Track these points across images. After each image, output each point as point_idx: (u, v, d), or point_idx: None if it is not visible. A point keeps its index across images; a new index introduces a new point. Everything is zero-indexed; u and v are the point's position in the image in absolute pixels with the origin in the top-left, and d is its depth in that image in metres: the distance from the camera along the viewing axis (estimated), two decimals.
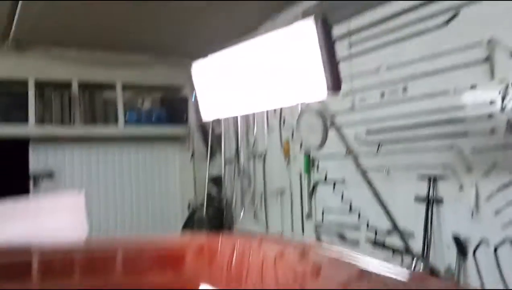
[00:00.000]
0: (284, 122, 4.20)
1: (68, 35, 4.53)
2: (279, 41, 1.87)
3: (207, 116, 2.42)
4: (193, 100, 2.45)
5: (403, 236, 2.94)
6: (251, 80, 2.05)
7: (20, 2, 3.62)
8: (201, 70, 2.35)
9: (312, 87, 1.78)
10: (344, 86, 3.42)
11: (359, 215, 3.45)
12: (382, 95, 3.25)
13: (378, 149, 3.26)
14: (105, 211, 5.19)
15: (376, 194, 3.21)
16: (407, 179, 3.08)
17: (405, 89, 3.08)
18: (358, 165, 3.34)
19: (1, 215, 2.12)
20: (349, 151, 3.44)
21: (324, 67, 1.68)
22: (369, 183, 3.23)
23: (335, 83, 1.68)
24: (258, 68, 2.00)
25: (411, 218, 3.02)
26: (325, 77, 1.69)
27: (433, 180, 2.90)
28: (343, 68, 3.44)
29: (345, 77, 3.44)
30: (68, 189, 5.08)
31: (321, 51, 1.68)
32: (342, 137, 3.50)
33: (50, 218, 2.16)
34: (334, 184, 3.67)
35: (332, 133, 3.63)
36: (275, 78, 1.94)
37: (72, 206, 2.32)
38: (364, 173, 3.28)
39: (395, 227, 3.00)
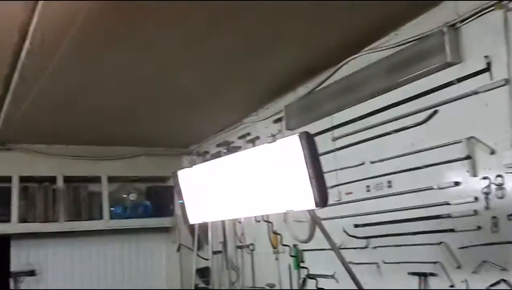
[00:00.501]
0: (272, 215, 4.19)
1: (52, 133, 4.58)
2: (266, 154, 1.90)
3: (194, 219, 2.41)
4: (180, 203, 2.44)
5: None
6: (237, 189, 2.06)
7: (5, 104, 3.66)
8: (187, 177, 2.37)
9: (299, 198, 1.79)
10: (330, 179, 3.47)
11: None
12: (368, 189, 3.27)
13: (366, 243, 3.24)
14: None
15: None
16: (397, 274, 3.03)
17: (389, 184, 3.11)
18: (343, 259, 3.30)
19: None
20: (336, 248, 3.41)
21: (311, 182, 1.70)
22: (356, 280, 3.17)
23: (321, 197, 1.69)
24: (245, 179, 2.02)
25: None
26: (312, 191, 1.71)
27: (423, 277, 2.86)
28: (329, 160, 3.50)
29: (331, 170, 3.50)
30: (54, 285, 4.93)
31: (307, 166, 1.71)
32: (327, 234, 3.47)
33: None
34: (324, 279, 3.60)
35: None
36: (262, 188, 1.95)
37: None
38: (350, 271, 3.24)
39: None
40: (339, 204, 3.47)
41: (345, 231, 3.40)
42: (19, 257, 4.90)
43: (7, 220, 4.72)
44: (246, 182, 2.01)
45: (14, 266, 4.87)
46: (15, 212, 4.74)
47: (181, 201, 2.42)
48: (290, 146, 1.77)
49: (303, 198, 1.81)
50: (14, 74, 3.09)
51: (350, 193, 3.39)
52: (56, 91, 3.48)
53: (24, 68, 2.91)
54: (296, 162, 1.77)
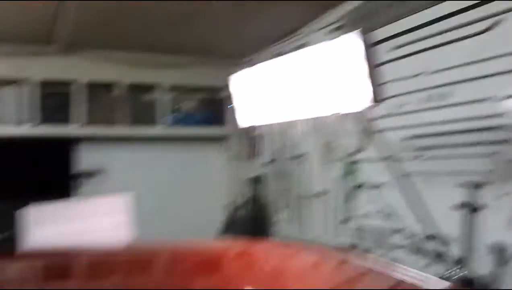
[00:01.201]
0: (323, 125, 4.20)
1: (113, 37, 4.66)
2: (322, 53, 1.88)
3: (244, 122, 2.46)
4: (231, 106, 2.48)
5: (441, 242, 2.90)
6: (290, 89, 2.08)
7: (66, 3, 3.74)
8: (240, 80, 2.39)
9: (354, 97, 1.79)
10: (388, 89, 3.43)
11: (397, 221, 3.42)
12: (425, 99, 3.21)
13: (419, 154, 3.22)
14: (147, 210, 5.29)
15: (415, 200, 3.18)
16: (447, 185, 3.03)
17: (447, 95, 3.03)
18: (395, 170, 3.32)
19: (46, 216, 2.21)
20: (389, 157, 3.42)
21: (368, 78, 1.69)
22: (407, 188, 3.20)
23: (377, 94, 1.69)
24: (298, 79, 2.02)
25: (450, 225, 2.97)
26: (368, 88, 1.70)
27: (473, 187, 2.85)
28: (386, 70, 3.44)
29: (390, 80, 3.45)
30: (112, 189, 5.22)
31: (365, 63, 1.69)
32: (381, 142, 3.48)
33: (94, 220, 2.24)
34: (373, 189, 3.65)
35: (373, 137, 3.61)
36: (316, 88, 1.96)
37: (116, 208, 2.40)
38: (403, 178, 3.26)
39: (431, 235, 2.97)
40: (395, 115, 3.43)
41: (398, 142, 3.39)
42: (84, 159, 5.19)
43: (72, 122, 4.97)
44: (297, 84, 2.02)
45: (78, 167, 5.17)
46: (80, 116, 4.97)
47: (233, 105, 2.46)
48: (347, 44, 1.74)
49: (356, 99, 1.80)
50: None
51: (407, 103, 3.34)
52: None
53: None
54: (350, 61, 1.75)
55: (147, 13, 4.01)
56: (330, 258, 1.64)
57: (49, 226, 2.21)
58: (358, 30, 1.69)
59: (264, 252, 1.75)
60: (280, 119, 2.42)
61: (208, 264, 1.65)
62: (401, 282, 1.33)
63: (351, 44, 1.72)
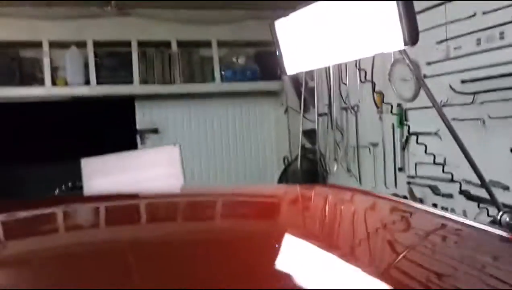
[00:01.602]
0: (374, 74, 4.14)
1: None
2: None
3: (290, 69, 2.48)
4: (277, 54, 2.48)
5: (489, 189, 2.85)
6: (330, 33, 2.07)
7: None
8: (283, 27, 2.40)
9: (390, 37, 1.77)
10: (438, 33, 3.32)
11: (451, 168, 3.38)
12: (478, 42, 3.10)
13: (473, 99, 3.14)
14: (204, 164, 5.49)
15: (470, 146, 3.11)
16: (503, 129, 2.95)
17: (501, 35, 2.91)
18: (443, 118, 3.24)
19: (104, 168, 2.36)
20: (442, 103, 3.35)
21: (401, 19, 1.66)
22: (461, 135, 3.13)
23: (412, 35, 1.66)
24: (337, 23, 2.01)
25: (507, 171, 2.91)
26: (402, 29, 1.68)
27: None
28: (439, 12, 3.33)
29: (441, 23, 3.34)
30: (170, 143, 5.42)
31: (397, 4, 1.67)
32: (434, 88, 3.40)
33: (149, 170, 2.37)
34: (427, 137, 3.60)
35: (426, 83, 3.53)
36: (354, 30, 1.95)
37: (168, 159, 2.51)
38: (456, 125, 3.19)
39: (483, 181, 2.91)
40: (447, 60, 3.34)
41: (451, 88, 3.30)
42: (143, 116, 5.38)
43: (130, 81, 5.14)
44: (338, 26, 2.01)
45: (139, 124, 5.37)
46: (136, 75, 5.13)
47: (279, 52, 2.48)
48: None
49: (394, 40, 1.78)
50: None
51: (459, 47, 3.23)
52: None
53: None
54: (388, 2, 1.73)
55: None
56: (384, 203, 1.62)
57: (106, 176, 2.36)
58: None
59: (317, 196, 1.77)
60: (323, 63, 2.42)
61: (264, 206, 1.66)
62: (451, 226, 1.32)
63: None
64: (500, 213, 2.01)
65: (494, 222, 2.05)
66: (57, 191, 2.52)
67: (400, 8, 1.66)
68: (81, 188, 2.37)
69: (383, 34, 1.82)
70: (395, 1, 1.69)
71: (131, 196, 1.84)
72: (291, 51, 2.44)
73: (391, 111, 3.96)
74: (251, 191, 1.97)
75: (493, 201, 1.98)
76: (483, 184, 1.96)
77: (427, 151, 3.60)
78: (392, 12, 1.72)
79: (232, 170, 5.60)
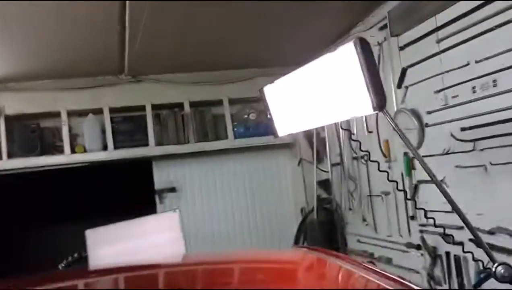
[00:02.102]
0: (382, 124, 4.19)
1: (175, 61, 4.95)
2: (331, 63, 1.95)
3: (281, 131, 2.56)
4: (268, 118, 2.56)
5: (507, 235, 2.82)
6: (310, 98, 2.16)
7: (127, 39, 4.05)
8: (271, 92, 2.50)
9: (363, 103, 1.84)
10: (436, 83, 3.37)
11: (459, 215, 3.34)
12: (474, 90, 3.13)
13: (473, 146, 3.14)
14: (223, 218, 5.56)
15: (476, 193, 3.10)
16: (506, 175, 2.94)
17: (495, 83, 2.94)
18: (453, 163, 3.25)
19: (109, 237, 2.45)
20: (446, 151, 3.36)
21: (367, 87, 1.73)
22: (467, 181, 3.13)
23: (378, 102, 1.72)
24: (315, 88, 2.10)
25: None
26: (369, 96, 1.75)
27: None
28: (434, 63, 3.39)
29: (436, 74, 3.40)
30: (188, 201, 5.53)
31: (362, 72, 1.74)
32: (436, 136, 3.42)
33: (151, 237, 2.44)
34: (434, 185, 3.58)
35: (428, 132, 3.57)
36: (330, 96, 2.02)
37: (169, 225, 2.59)
38: (461, 171, 3.19)
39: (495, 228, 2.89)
40: (446, 108, 3.37)
41: (452, 135, 3.32)
42: (160, 176, 5.51)
43: (146, 144, 5.31)
44: (317, 92, 2.09)
45: (157, 184, 5.50)
46: (152, 137, 5.30)
47: (269, 116, 2.56)
48: (347, 54, 1.80)
49: (365, 106, 1.84)
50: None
51: (456, 96, 3.27)
52: (167, 25, 3.79)
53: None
54: (355, 70, 1.80)
55: (203, 36, 4.24)
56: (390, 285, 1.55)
57: (110, 245, 2.44)
58: (353, 40, 1.74)
59: (331, 268, 1.76)
60: (307, 126, 2.49)
61: (281, 275, 1.70)
62: None
63: (349, 54, 1.78)
64: (495, 265, 2.01)
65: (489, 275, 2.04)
66: (64, 262, 2.61)
67: (366, 77, 1.73)
68: (85, 258, 2.46)
69: (356, 100, 1.89)
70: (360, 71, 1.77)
71: (134, 269, 1.91)
72: (280, 114, 2.53)
73: (400, 160, 3.97)
74: (267, 258, 2.00)
75: (486, 253, 1.97)
76: (472, 233, 1.96)
77: (436, 199, 3.58)
78: (361, 81, 1.79)
79: (250, 222, 5.64)
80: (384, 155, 4.16)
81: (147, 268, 1.87)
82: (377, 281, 1.50)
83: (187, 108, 5.41)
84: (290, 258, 2.02)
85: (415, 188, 3.84)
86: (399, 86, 3.84)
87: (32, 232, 5.28)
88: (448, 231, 3.48)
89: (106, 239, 2.47)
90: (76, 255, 2.73)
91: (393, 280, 1.45)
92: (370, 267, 1.71)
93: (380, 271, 1.62)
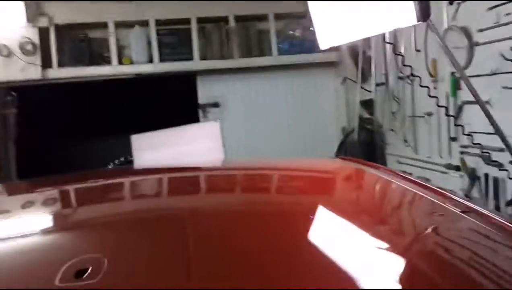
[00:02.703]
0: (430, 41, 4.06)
1: None
2: None
3: (324, 44, 2.55)
4: (312, 29, 2.54)
5: None
6: (355, 9, 2.13)
7: None
8: (315, 4, 2.47)
9: (405, 13, 1.81)
10: None
11: (503, 138, 3.29)
12: None
13: None
14: (263, 136, 5.64)
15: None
16: None
17: None
18: (501, 84, 3.16)
19: (153, 143, 2.56)
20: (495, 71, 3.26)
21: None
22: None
23: (422, 11, 1.69)
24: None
25: None
26: (414, 7, 1.71)
27: None
28: None
29: None
30: (231, 117, 5.62)
31: None
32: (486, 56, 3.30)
33: (192, 145, 2.54)
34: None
35: (477, 51, 3.44)
36: (376, 7, 1.99)
37: (209, 134, 2.67)
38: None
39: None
40: (497, 26, 3.23)
41: (502, 55, 3.20)
42: (204, 91, 5.59)
43: (191, 58, 5.35)
44: (361, 3, 2.06)
45: (201, 99, 5.59)
46: (196, 51, 5.33)
47: (313, 28, 2.54)
48: None
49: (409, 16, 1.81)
50: None
51: (509, 13, 3.11)
52: None
53: None
54: None
55: None
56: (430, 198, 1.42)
57: (154, 150, 2.56)
58: None
59: (369, 178, 1.72)
60: (353, 37, 2.47)
61: (318, 181, 1.70)
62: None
63: None
64: None
65: None
66: (111, 164, 2.76)
67: None
68: (131, 162, 2.60)
69: (401, 10, 1.86)
70: None
71: (178, 169, 1.99)
72: (324, 26, 2.50)
73: (447, 79, 3.88)
74: (305, 166, 1.99)
75: None
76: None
77: (480, 120, 3.52)
78: None
79: (291, 140, 5.71)
80: (431, 75, 4.06)
81: (188, 170, 1.94)
82: (417, 191, 1.47)
83: (232, 22, 5.37)
84: (328, 167, 2.03)
85: (459, 109, 3.77)
86: (451, 2, 3.67)
87: (77, 143, 5.53)
88: (488, 153, 3.46)
89: (150, 144, 2.58)
90: (122, 159, 2.87)
91: (433, 190, 1.41)
92: (410, 178, 1.66)
93: (419, 180, 1.58)
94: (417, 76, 4.23)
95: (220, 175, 1.93)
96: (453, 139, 3.89)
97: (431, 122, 4.22)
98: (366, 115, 5.34)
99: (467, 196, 3.67)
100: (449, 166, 3.94)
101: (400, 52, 4.51)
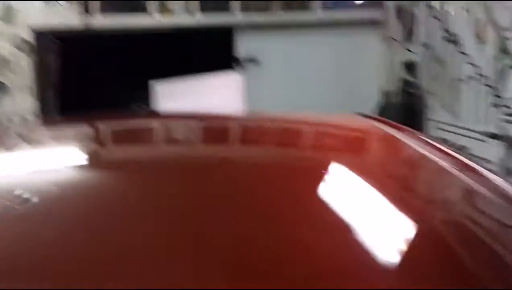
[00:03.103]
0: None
1: None
2: None
3: None
4: None
5: None
6: None
7: None
8: None
9: None
10: None
11: None
12: None
13: None
14: (301, 94, 5.51)
15: None
16: None
17: None
18: None
19: (174, 91, 2.52)
20: None
21: None
22: None
23: None
24: None
25: None
26: None
27: None
28: None
29: None
30: (268, 74, 5.51)
31: None
32: None
33: (214, 95, 2.49)
34: None
35: None
36: None
37: (232, 85, 2.61)
38: None
39: None
40: None
41: None
42: (242, 47, 5.48)
43: (229, 10, 5.23)
44: None
45: (237, 54, 5.49)
46: (235, 3, 5.21)
47: None
48: None
49: None
50: None
51: None
52: None
53: None
54: None
55: None
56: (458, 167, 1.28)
57: (174, 99, 2.52)
58: None
59: (402, 144, 1.60)
60: None
61: (346, 139, 1.62)
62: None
63: None
64: None
65: None
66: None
67: None
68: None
69: None
70: None
71: (194, 116, 1.96)
72: None
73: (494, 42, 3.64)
74: (334, 123, 1.90)
75: None
76: None
77: None
78: None
79: (329, 101, 5.55)
80: (477, 36, 3.82)
81: (211, 118, 1.89)
82: (432, 157, 1.32)
83: None
84: (343, 122, 1.91)
85: (506, 73, 3.54)
86: None
87: (114, 94, 5.57)
88: None
89: (172, 92, 2.55)
90: (138, 105, 2.86)
91: (454, 158, 1.25)
92: (435, 144, 1.49)
93: (445, 149, 1.41)
94: (463, 38, 3.99)
95: (228, 126, 1.87)
96: (495, 105, 3.67)
97: (475, 86, 4.00)
98: (408, 78, 5.12)
99: (504, 166, 3.48)
100: (488, 134, 3.74)
101: (447, 12, 4.25)
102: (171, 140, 1.55)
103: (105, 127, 1.65)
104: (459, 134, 4.21)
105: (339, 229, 0.78)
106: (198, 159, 1.22)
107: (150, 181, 0.98)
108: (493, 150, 3.67)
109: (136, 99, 4.57)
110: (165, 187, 0.94)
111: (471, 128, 4.02)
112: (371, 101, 5.51)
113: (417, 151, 1.30)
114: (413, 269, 0.69)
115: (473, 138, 4.00)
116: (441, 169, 1.14)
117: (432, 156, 1.22)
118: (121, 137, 1.56)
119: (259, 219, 0.80)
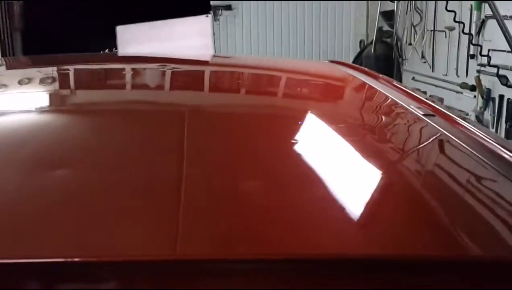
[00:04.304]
0: None
1: None
2: None
3: None
4: None
5: None
6: None
7: None
8: None
9: None
10: None
11: None
12: None
13: None
14: (277, 43, 5.39)
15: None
16: None
17: None
18: None
19: (140, 35, 2.40)
20: None
21: None
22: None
23: None
24: None
25: None
26: None
27: None
28: None
29: None
30: (244, 20, 5.36)
31: None
32: None
33: (181, 39, 2.37)
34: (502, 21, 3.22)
35: None
36: None
37: (200, 29, 2.48)
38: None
39: None
40: None
41: None
42: None
43: None
44: None
45: (212, 1, 5.32)
46: None
47: None
48: None
49: None
50: None
51: None
52: None
53: None
54: None
55: None
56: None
57: (140, 43, 2.39)
58: None
59: (377, 94, 1.55)
60: None
61: (323, 86, 1.57)
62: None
63: None
64: None
65: None
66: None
67: None
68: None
69: None
70: None
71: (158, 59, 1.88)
72: None
73: None
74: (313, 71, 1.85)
75: None
76: None
77: (501, 38, 3.24)
78: None
79: (306, 49, 5.46)
80: None
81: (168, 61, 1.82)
82: (394, 98, 1.28)
83: None
84: (312, 68, 1.86)
85: (482, 24, 3.48)
86: None
87: (80, 38, 5.37)
88: (505, 73, 3.22)
89: (136, 37, 2.41)
90: (107, 50, 2.73)
91: (416, 99, 1.22)
92: (399, 86, 1.46)
93: (408, 91, 1.38)
94: None
95: (198, 70, 1.80)
96: (472, 56, 3.62)
97: (452, 37, 3.94)
98: (386, 28, 5.03)
99: (478, 117, 3.47)
100: (464, 86, 3.71)
101: None
102: (127, 83, 1.49)
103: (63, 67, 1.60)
104: (435, 85, 4.18)
105: (306, 182, 0.73)
106: (152, 103, 1.16)
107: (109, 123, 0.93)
108: (469, 102, 3.65)
109: (106, 45, 4.41)
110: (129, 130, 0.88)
111: (448, 79, 3.98)
112: (348, 50, 5.43)
113: (388, 97, 1.25)
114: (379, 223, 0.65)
115: (449, 89, 3.97)
116: (411, 115, 1.09)
117: (403, 103, 1.17)
118: (77, 76, 1.49)
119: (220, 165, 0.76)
